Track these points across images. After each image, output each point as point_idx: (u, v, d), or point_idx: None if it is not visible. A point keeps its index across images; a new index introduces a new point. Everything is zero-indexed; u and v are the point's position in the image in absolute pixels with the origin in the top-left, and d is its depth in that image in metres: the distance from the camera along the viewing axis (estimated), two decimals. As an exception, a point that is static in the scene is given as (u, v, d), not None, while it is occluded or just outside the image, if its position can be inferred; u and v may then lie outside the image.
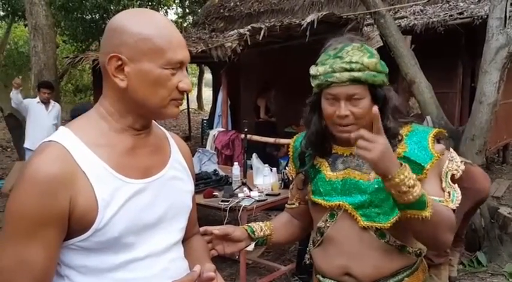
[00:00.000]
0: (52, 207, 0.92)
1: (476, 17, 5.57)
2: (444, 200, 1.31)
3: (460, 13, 5.96)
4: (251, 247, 1.49)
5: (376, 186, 1.32)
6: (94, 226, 0.95)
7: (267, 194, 3.63)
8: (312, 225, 1.51)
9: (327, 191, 1.39)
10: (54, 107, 5.97)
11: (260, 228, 1.49)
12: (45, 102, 5.82)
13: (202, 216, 5.12)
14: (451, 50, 6.19)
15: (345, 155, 1.40)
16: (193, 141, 10.79)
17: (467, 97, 6.29)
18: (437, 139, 1.41)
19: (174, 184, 1.11)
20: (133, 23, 0.99)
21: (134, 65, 0.97)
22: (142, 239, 1.03)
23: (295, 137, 1.59)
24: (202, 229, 1.35)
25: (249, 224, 1.50)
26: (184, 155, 1.20)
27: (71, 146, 0.96)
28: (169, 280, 1.03)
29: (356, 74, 1.27)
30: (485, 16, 4.90)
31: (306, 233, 1.57)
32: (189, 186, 1.18)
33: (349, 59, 1.28)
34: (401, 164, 1.16)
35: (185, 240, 1.22)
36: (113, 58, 0.97)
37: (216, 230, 1.36)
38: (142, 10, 1.06)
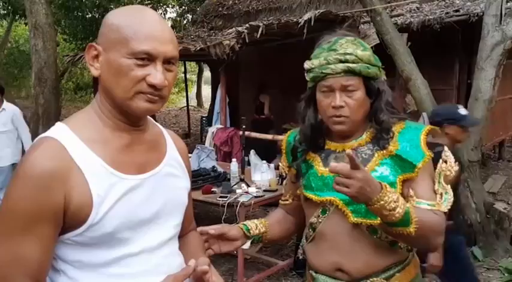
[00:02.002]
0: (47, 202, 0.92)
1: (472, 15, 5.60)
2: (436, 203, 1.32)
3: (456, 10, 5.98)
4: (247, 245, 1.50)
5: None
6: (89, 221, 0.95)
7: (264, 190, 3.66)
8: (293, 231, 1.54)
9: (318, 186, 1.39)
10: (3, 112, 4.94)
11: (255, 226, 1.50)
12: None
13: (202, 211, 5.19)
14: (448, 47, 6.21)
15: (337, 151, 1.41)
16: (193, 138, 10.82)
17: (463, 94, 6.32)
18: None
19: (169, 180, 1.12)
20: (113, 15, 1.02)
21: (106, 54, 0.99)
22: (137, 235, 1.03)
23: (289, 132, 1.59)
24: (198, 229, 1.36)
25: (244, 222, 1.51)
26: (181, 153, 1.20)
27: (66, 141, 0.97)
28: (164, 275, 1.04)
29: (350, 65, 1.29)
30: (481, 13, 4.92)
31: (300, 229, 1.58)
32: (185, 183, 1.19)
33: (343, 50, 1.30)
34: (381, 187, 1.18)
35: (181, 236, 1.22)
36: (90, 47, 1.01)
37: (212, 229, 1.37)
38: (134, 6, 1.08)
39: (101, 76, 1.01)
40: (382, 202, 1.17)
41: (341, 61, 1.29)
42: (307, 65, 1.38)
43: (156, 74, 0.97)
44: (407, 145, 1.34)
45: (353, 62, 1.29)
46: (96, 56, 1.01)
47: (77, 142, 0.98)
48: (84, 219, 0.95)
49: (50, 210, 0.93)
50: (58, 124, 1.03)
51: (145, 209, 1.05)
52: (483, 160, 6.47)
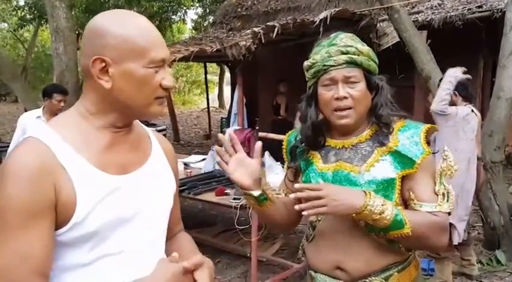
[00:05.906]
0: (39, 195, 0.92)
1: (496, 10, 5.43)
2: (436, 205, 1.33)
3: (479, 6, 5.82)
4: (257, 193, 1.36)
5: (366, 179, 1.34)
6: (73, 220, 0.96)
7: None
8: (295, 221, 1.51)
9: (317, 182, 1.40)
10: None
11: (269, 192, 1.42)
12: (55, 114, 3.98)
13: (218, 213, 5.17)
14: (471, 45, 6.05)
15: (337, 147, 1.42)
16: (213, 139, 10.88)
17: (488, 92, 6.14)
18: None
19: (153, 181, 1.12)
20: (114, 24, 1.01)
21: (118, 66, 0.99)
22: (120, 235, 1.03)
23: (290, 132, 1.60)
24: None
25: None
26: (168, 155, 1.21)
27: (50, 141, 0.97)
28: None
29: (352, 56, 1.33)
30: (505, 9, 4.77)
31: (291, 225, 1.57)
32: (171, 184, 1.19)
33: (344, 43, 1.34)
34: (365, 193, 1.24)
35: (171, 239, 1.23)
36: (96, 60, 0.99)
37: None
38: (121, 11, 1.07)
39: (114, 87, 1.00)
40: (369, 207, 1.22)
41: (343, 53, 1.33)
42: (307, 62, 1.39)
43: (169, 78, 1.04)
44: (407, 142, 1.35)
45: (354, 54, 1.33)
46: (103, 68, 0.99)
47: (60, 141, 0.98)
48: (69, 217, 0.96)
49: (43, 203, 0.93)
50: (41, 125, 1.04)
51: (128, 209, 1.05)
52: (508, 160, 6.25)
